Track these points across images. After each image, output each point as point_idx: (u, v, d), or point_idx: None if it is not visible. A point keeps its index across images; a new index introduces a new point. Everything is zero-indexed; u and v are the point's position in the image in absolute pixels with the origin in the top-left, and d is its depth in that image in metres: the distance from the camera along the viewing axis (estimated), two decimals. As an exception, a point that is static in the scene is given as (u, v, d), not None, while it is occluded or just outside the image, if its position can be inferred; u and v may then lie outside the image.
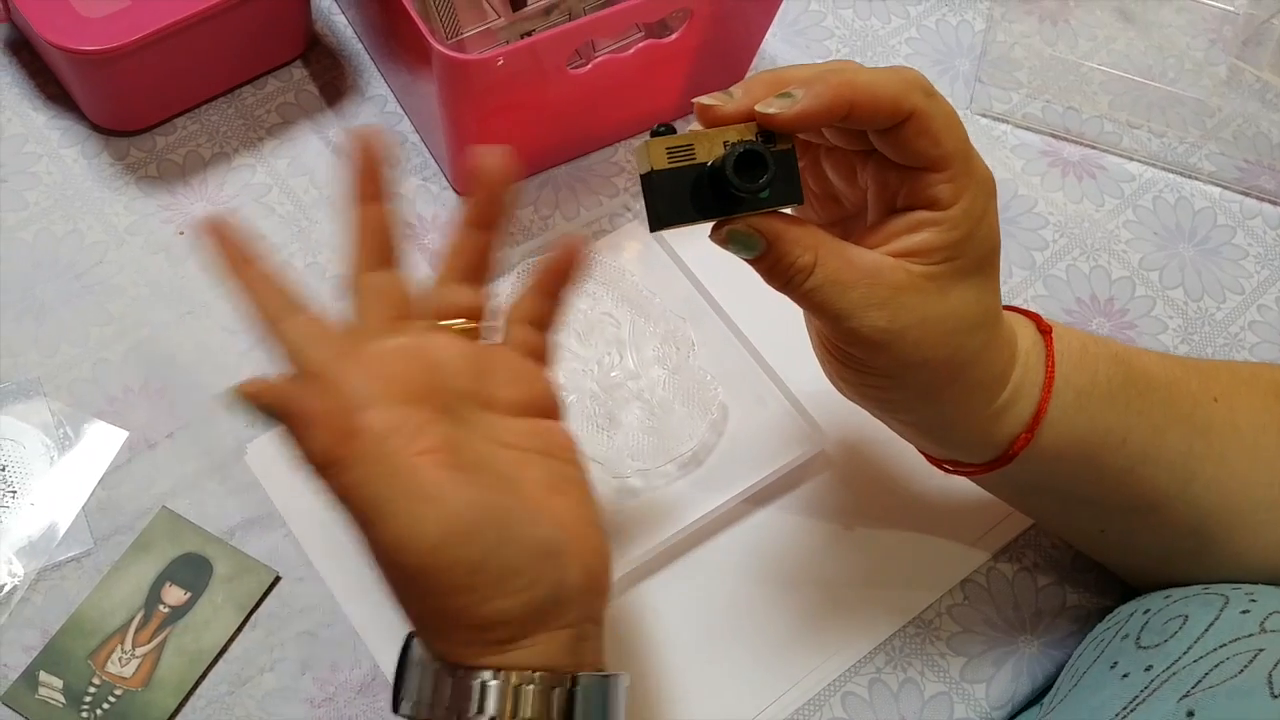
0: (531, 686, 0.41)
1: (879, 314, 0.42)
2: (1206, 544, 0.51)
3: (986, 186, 0.43)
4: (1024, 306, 0.69)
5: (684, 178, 0.40)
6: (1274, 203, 0.76)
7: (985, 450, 0.49)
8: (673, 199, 0.40)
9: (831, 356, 0.47)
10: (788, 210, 0.42)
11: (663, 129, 0.41)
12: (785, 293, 0.43)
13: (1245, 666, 0.42)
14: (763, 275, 0.43)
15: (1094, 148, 0.77)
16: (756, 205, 0.41)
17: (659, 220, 0.41)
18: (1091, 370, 0.48)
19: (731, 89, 0.41)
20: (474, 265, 0.48)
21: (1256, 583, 0.50)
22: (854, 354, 0.44)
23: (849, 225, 0.47)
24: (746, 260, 0.43)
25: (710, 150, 0.40)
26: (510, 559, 0.41)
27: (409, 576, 0.41)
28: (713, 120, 0.41)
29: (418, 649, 0.43)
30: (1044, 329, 0.48)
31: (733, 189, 0.40)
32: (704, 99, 0.41)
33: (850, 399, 0.49)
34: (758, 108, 0.40)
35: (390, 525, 0.40)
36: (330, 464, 0.40)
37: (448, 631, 0.42)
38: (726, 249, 0.42)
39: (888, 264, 0.42)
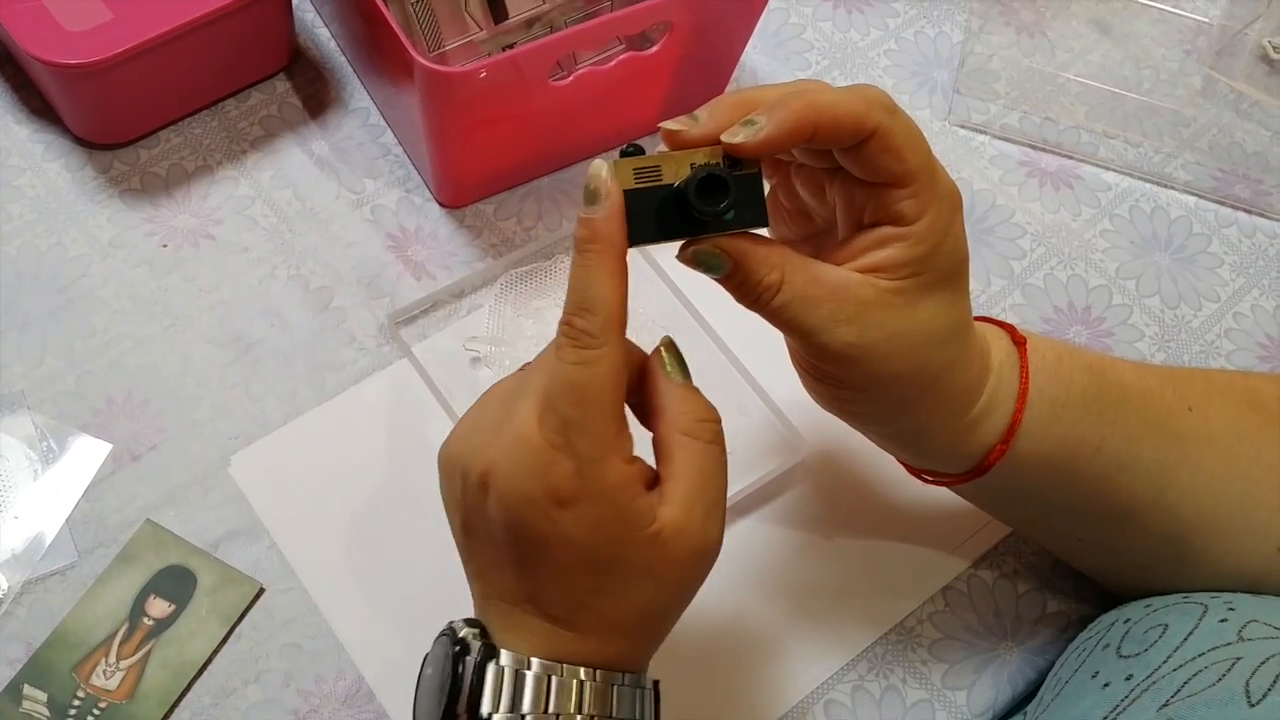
0: (621, 687, 0.43)
1: (847, 330, 0.43)
2: (1184, 551, 0.52)
3: (952, 201, 0.43)
4: (1002, 315, 0.70)
5: (651, 198, 0.41)
6: (1249, 211, 0.77)
7: (961, 461, 0.49)
8: (640, 219, 0.41)
9: (806, 372, 0.47)
10: (762, 232, 0.43)
11: (631, 150, 0.41)
12: (755, 310, 0.44)
13: (1223, 675, 0.42)
14: (732, 293, 0.44)
15: (1071, 158, 0.78)
16: (721, 227, 0.42)
17: (628, 240, 0.41)
18: (1066, 381, 0.49)
19: (697, 112, 0.42)
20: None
21: (1235, 590, 0.51)
22: (826, 369, 0.45)
23: (821, 241, 0.48)
24: (715, 279, 0.43)
25: (677, 172, 0.41)
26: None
27: (642, 625, 0.44)
28: (678, 144, 0.41)
29: (521, 659, 0.42)
30: (1018, 340, 0.49)
31: (695, 212, 0.40)
32: (669, 124, 0.42)
33: (828, 411, 0.49)
34: (724, 137, 0.41)
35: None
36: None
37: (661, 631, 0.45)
38: (694, 269, 0.43)
39: (855, 280, 0.43)
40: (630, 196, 0.41)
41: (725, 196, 0.40)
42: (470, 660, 0.41)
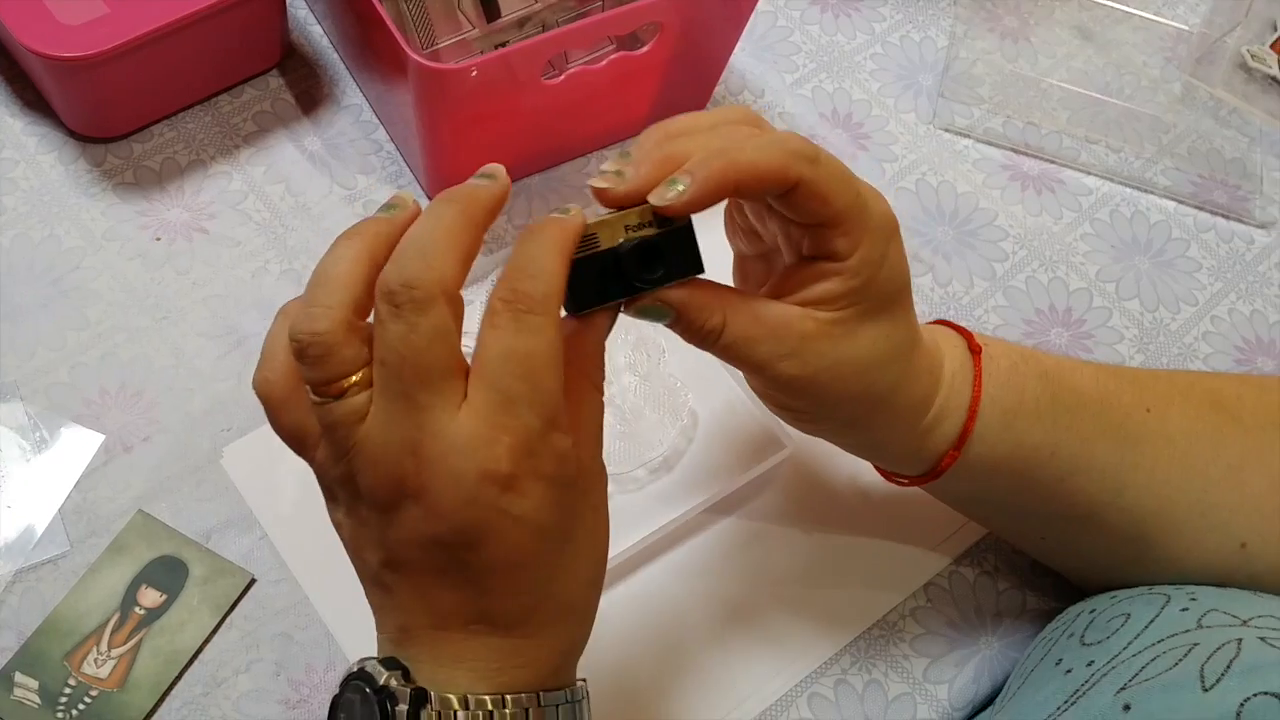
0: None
1: (790, 363, 0.44)
2: (1145, 550, 0.53)
3: (886, 229, 0.44)
4: (984, 316, 0.71)
5: (594, 265, 0.41)
6: (1227, 217, 0.78)
7: (918, 465, 0.51)
8: (585, 285, 0.42)
9: (761, 397, 0.49)
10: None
11: None
12: (704, 350, 0.45)
13: (1180, 660, 0.43)
14: (681, 336, 0.45)
15: (1053, 162, 0.79)
16: (661, 282, 0.43)
17: (576, 306, 0.42)
18: (1019, 390, 0.50)
19: (622, 167, 0.42)
20: None
21: (1202, 581, 0.52)
22: (777, 396, 0.47)
23: (773, 258, 0.49)
24: (665, 326, 0.44)
25: (613, 236, 0.42)
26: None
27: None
28: (609, 202, 0.42)
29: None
30: (974, 349, 0.51)
31: (634, 280, 0.42)
32: (596, 181, 0.42)
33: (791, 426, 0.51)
34: (650, 199, 0.41)
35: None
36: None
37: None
38: (641, 320, 0.44)
39: (795, 314, 0.44)
40: (575, 265, 0.41)
41: (660, 263, 0.42)
42: (402, 711, 0.38)
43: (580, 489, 0.40)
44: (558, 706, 0.41)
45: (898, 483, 0.54)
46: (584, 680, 0.44)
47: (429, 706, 0.38)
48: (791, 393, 0.46)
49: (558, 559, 0.40)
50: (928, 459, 0.50)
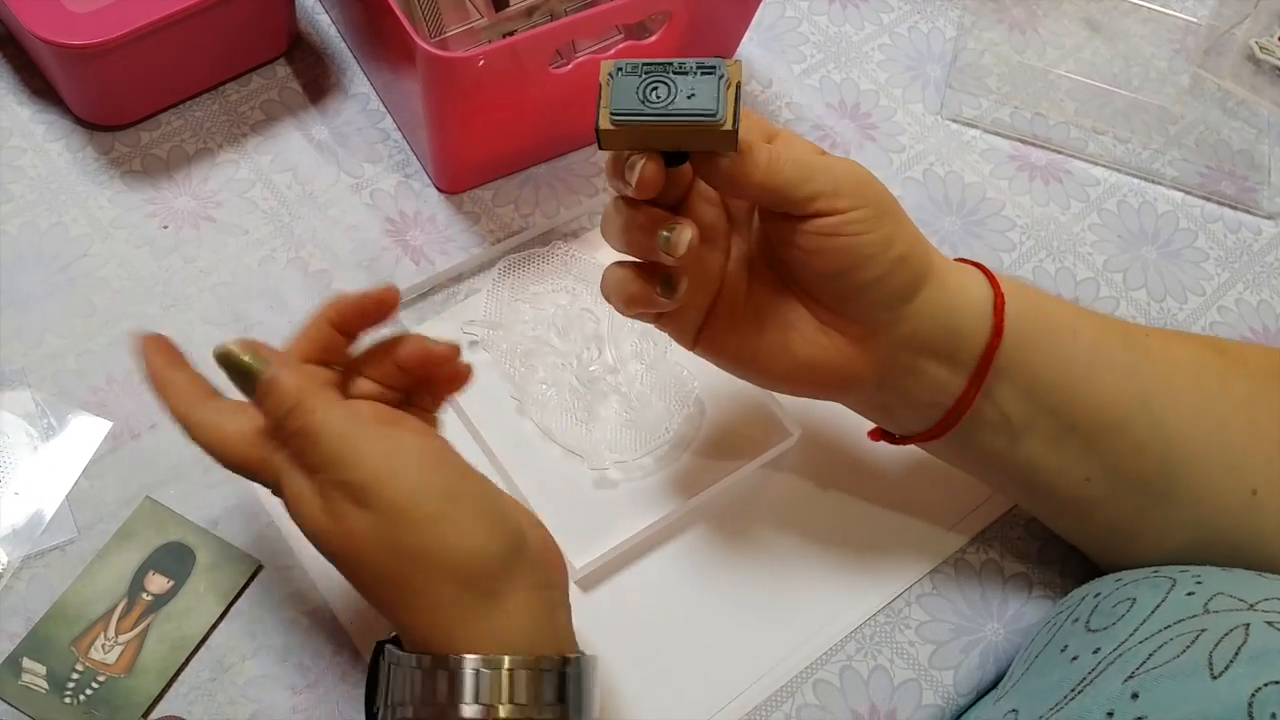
0: (525, 672, 0.43)
1: (822, 179, 0.47)
2: (1169, 485, 0.53)
3: (871, 189, 0.49)
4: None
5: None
6: (1234, 207, 0.78)
7: (961, 362, 0.51)
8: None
9: (798, 263, 0.50)
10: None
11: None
12: (748, 181, 0.47)
13: (1187, 647, 0.43)
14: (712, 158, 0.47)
15: (1060, 153, 0.79)
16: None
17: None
18: (1027, 291, 0.53)
19: None
20: (329, 354, 0.50)
21: (1213, 542, 0.53)
22: (808, 248, 0.48)
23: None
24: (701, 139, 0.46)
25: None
26: (477, 493, 0.45)
27: (393, 508, 0.43)
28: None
29: (394, 654, 0.45)
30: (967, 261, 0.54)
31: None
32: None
33: (810, 391, 0.53)
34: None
35: (369, 457, 0.44)
36: (300, 404, 0.45)
37: (433, 584, 0.43)
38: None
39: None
40: None
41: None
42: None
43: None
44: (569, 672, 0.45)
45: (929, 437, 0.54)
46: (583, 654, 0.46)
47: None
48: (826, 221, 0.47)
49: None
50: (967, 345, 0.51)
